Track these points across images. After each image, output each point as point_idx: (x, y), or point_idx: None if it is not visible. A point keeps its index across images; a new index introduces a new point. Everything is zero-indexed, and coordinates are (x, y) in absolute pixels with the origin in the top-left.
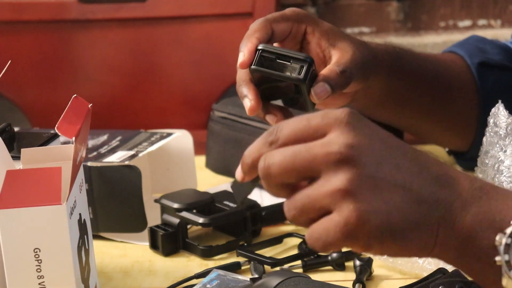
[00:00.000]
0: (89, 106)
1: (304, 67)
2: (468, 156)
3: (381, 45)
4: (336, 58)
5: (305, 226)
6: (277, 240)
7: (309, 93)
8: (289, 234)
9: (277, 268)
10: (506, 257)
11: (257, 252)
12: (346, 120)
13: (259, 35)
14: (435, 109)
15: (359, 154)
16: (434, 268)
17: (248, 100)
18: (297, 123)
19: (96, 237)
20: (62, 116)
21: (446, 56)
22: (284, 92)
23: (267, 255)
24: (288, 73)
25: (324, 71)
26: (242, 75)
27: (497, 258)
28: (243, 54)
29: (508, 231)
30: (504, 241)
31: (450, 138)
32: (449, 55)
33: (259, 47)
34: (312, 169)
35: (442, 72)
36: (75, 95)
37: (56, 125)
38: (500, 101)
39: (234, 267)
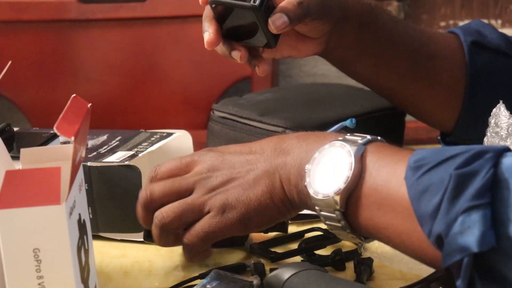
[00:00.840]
0: (88, 106)
1: None
2: (454, 138)
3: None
4: None
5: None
6: (299, 235)
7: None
8: (312, 229)
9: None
10: (307, 180)
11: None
12: (205, 157)
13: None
14: (416, 76)
15: (210, 176)
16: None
17: (208, 33)
18: (172, 162)
19: (96, 237)
20: (61, 116)
21: (440, 32)
22: (247, 32)
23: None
24: (243, 2)
25: (282, 3)
26: (206, 12)
27: (305, 183)
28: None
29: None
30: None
31: (432, 111)
32: (446, 33)
33: None
34: (187, 189)
35: (427, 41)
36: (74, 94)
37: (55, 125)
38: (501, 102)
39: (239, 269)
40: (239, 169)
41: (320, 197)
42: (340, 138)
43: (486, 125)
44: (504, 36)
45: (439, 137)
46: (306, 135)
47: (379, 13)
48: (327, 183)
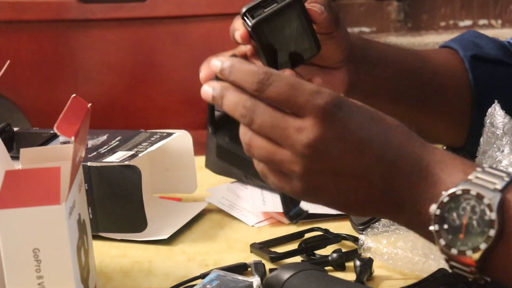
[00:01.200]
0: (88, 106)
1: None
2: (466, 151)
3: (380, 45)
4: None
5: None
6: (299, 235)
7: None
8: (312, 229)
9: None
10: (437, 227)
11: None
12: (325, 112)
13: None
14: (424, 103)
15: (320, 152)
16: (435, 269)
17: (238, 32)
18: (288, 87)
19: (96, 237)
20: (61, 116)
21: (439, 51)
22: (294, 48)
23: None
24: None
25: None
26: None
27: (430, 228)
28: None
29: (439, 200)
30: (434, 212)
31: (443, 132)
32: (443, 49)
33: (243, 10)
34: (283, 143)
35: (434, 65)
36: (74, 95)
37: (55, 125)
38: (496, 101)
39: (239, 269)
40: (351, 190)
41: (454, 252)
42: (472, 179)
43: None
44: (499, 44)
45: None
46: (427, 167)
47: (371, 46)
48: (462, 238)
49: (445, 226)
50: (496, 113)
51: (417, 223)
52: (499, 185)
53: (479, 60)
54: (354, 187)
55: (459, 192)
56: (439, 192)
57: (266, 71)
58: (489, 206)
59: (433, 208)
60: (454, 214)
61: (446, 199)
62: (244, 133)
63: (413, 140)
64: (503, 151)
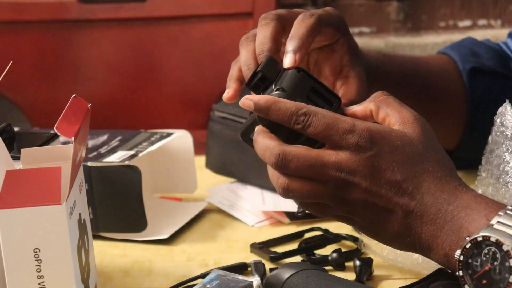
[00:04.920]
0: (89, 106)
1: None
2: (455, 155)
3: (373, 55)
4: (351, 89)
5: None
6: (299, 234)
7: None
8: (312, 229)
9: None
10: (461, 273)
11: (272, 249)
12: (358, 148)
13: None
14: (418, 106)
15: (354, 185)
16: (434, 269)
17: (228, 90)
18: (325, 126)
19: (96, 237)
20: (61, 116)
21: (438, 59)
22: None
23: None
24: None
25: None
26: (232, 73)
27: (457, 273)
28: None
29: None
30: (458, 257)
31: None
32: (441, 57)
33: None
34: (321, 178)
35: (432, 77)
36: (74, 95)
37: (56, 125)
38: (507, 101)
39: (239, 269)
40: (379, 220)
41: None
42: (494, 224)
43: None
44: (496, 52)
45: None
46: (453, 211)
47: (390, 61)
48: (485, 284)
49: (470, 272)
50: (507, 113)
51: (446, 265)
52: None
53: (477, 73)
54: (384, 219)
55: (480, 239)
56: (463, 237)
57: (305, 111)
58: (508, 252)
59: (457, 254)
60: (478, 260)
61: (468, 245)
62: (278, 177)
63: (443, 185)
64: (511, 152)
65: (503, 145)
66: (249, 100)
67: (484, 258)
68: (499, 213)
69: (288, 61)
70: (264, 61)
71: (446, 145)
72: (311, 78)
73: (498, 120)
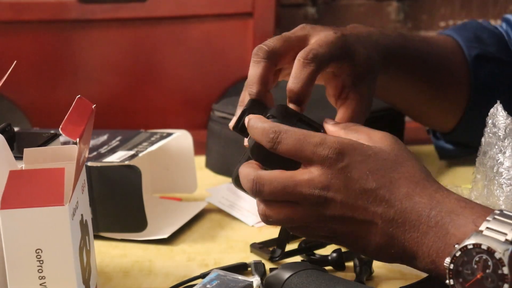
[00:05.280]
0: (93, 107)
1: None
2: (449, 138)
3: (393, 38)
4: (347, 111)
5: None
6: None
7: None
8: None
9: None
10: (452, 282)
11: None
12: (329, 161)
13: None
14: (426, 93)
15: (329, 200)
16: None
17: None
18: (295, 141)
19: (96, 237)
20: (66, 117)
21: (444, 42)
22: None
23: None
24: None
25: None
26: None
27: (447, 282)
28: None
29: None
30: (448, 265)
31: (434, 119)
32: (448, 40)
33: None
34: (297, 199)
35: (442, 60)
36: (79, 95)
37: (61, 126)
38: (498, 102)
39: (239, 269)
40: (359, 233)
41: None
42: (483, 230)
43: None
44: (498, 37)
45: (428, 129)
46: (436, 216)
47: (408, 44)
48: None
49: (461, 280)
50: (498, 114)
51: (435, 272)
52: (510, 235)
53: (482, 60)
54: (366, 232)
55: (470, 247)
56: (451, 244)
57: (275, 129)
58: (500, 260)
59: (447, 262)
60: (469, 268)
61: (458, 253)
62: (258, 204)
63: (421, 189)
64: (504, 152)
65: (496, 146)
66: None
67: (476, 266)
68: (488, 218)
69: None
70: (248, 103)
71: (443, 127)
72: (297, 112)
73: (490, 121)
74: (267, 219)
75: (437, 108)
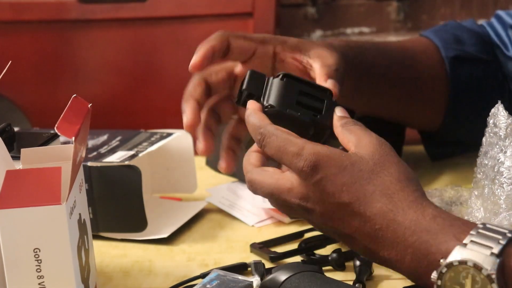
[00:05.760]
0: (89, 106)
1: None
2: (437, 139)
3: (343, 42)
4: (320, 63)
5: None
6: (299, 234)
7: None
8: (312, 229)
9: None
10: None
11: (272, 249)
12: (304, 174)
13: (214, 43)
14: (400, 98)
15: (308, 209)
16: None
17: (185, 115)
18: (276, 149)
19: (96, 237)
20: (61, 116)
21: (419, 45)
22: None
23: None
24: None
25: (322, 76)
26: (191, 89)
27: None
28: (195, 57)
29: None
30: (435, 281)
31: (417, 120)
32: (423, 42)
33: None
34: (281, 194)
35: (413, 63)
36: (75, 95)
37: (56, 125)
38: (499, 102)
39: (239, 269)
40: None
41: None
42: (467, 244)
43: (468, 129)
44: (479, 36)
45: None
46: (413, 235)
47: (366, 48)
48: None
49: None
50: (499, 114)
51: (423, 285)
52: (496, 248)
53: (460, 60)
54: (349, 241)
55: (456, 264)
56: (434, 260)
57: (261, 131)
58: (488, 277)
59: (434, 277)
60: (457, 283)
61: (444, 269)
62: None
63: (394, 205)
64: (505, 152)
65: (497, 146)
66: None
67: (463, 281)
68: (471, 232)
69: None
70: (247, 77)
71: (428, 127)
72: (297, 80)
73: (491, 121)
74: (254, 191)
75: (416, 110)
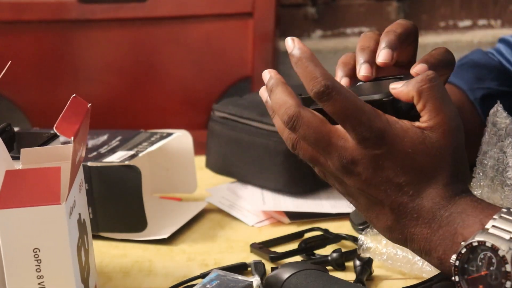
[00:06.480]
0: (88, 106)
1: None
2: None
3: None
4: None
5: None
6: (299, 234)
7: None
8: (312, 229)
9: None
10: (457, 278)
11: (272, 249)
12: (368, 146)
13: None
14: None
15: (352, 172)
16: (433, 270)
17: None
18: (350, 104)
19: (96, 237)
20: (61, 116)
21: (453, 96)
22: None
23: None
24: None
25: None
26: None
27: (452, 279)
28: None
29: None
30: (454, 262)
31: None
32: (453, 91)
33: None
34: (326, 155)
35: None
36: (74, 95)
37: (55, 125)
38: (498, 102)
39: (239, 269)
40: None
41: None
42: (489, 228)
43: None
44: (497, 69)
45: None
46: (449, 217)
47: None
48: None
49: (466, 276)
50: (498, 114)
51: (440, 268)
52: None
53: (487, 98)
54: (379, 211)
55: (475, 244)
56: (457, 242)
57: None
58: (504, 258)
59: (453, 259)
60: (474, 265)
61: (464, 250)
62: (288, 133)
63: (446, 191)
64: (505, 152)
65: (496, 146)
66: (290, 40)
67: (480, 263)
68: (494, 216)
69: (382, 57)
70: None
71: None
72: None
73: (491, 121)
74: (294, 150)
75: None
